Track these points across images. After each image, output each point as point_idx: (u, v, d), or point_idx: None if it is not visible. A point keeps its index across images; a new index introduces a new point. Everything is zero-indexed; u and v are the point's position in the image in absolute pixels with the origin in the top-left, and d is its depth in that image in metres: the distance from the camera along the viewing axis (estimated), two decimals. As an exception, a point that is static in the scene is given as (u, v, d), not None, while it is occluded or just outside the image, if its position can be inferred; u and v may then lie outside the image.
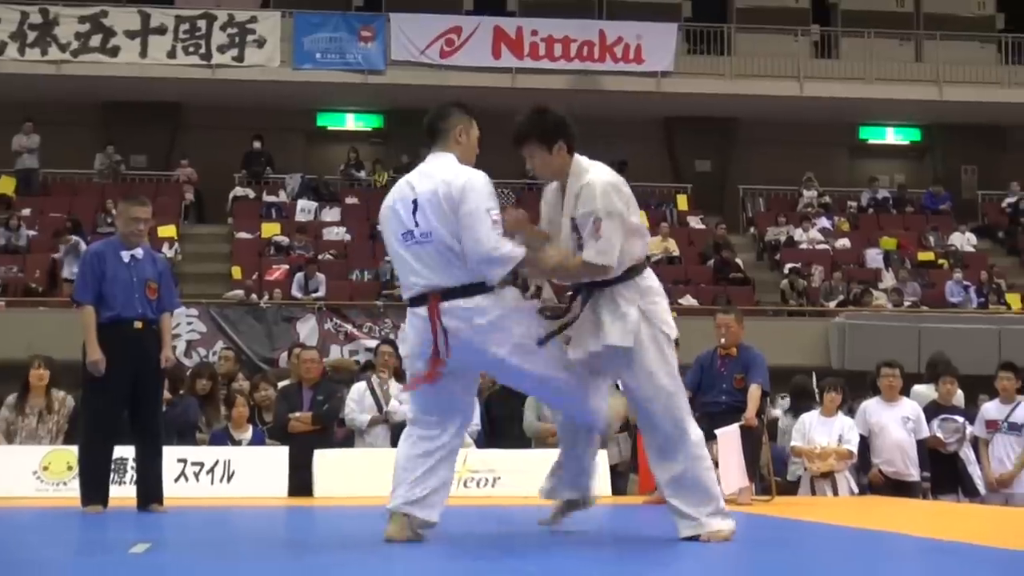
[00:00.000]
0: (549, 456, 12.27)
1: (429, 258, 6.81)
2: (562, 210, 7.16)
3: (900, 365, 13.32)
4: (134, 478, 10.58)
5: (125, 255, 10.16)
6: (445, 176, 6.88)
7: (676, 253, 27.60)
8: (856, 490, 12.65)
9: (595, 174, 7.05)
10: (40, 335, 19.64)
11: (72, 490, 11.69)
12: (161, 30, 28.38)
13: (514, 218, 7.16)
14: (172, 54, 28.35)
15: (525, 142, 7.18)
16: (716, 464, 11.41)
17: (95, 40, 28.24)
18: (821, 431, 12.61)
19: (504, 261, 6.76)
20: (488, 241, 6.70)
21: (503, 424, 13.37)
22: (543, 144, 7.12)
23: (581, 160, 7.18)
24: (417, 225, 6.85)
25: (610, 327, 6.98)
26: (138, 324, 10.07)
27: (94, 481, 10.10)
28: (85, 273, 10.23)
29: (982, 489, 13.26)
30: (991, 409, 13.52)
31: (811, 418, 12.78)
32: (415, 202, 6.86)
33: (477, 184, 6.85)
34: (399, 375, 14.15)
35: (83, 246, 23.96)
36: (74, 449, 11.90)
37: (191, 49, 28.41)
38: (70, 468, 11.88)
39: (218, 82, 28.40)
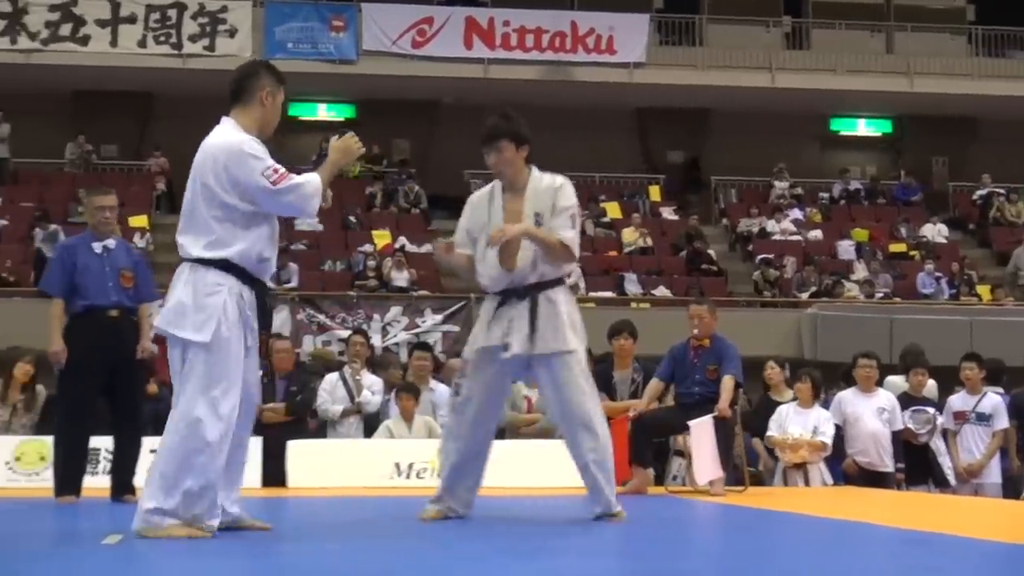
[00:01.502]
0: (520, 447, 12.38)
1: None
2: (502, 209, 7.74)
3: (877, 356, 13.36)
4: (107, 468, 10.56)
5: (97, 246, 10.15)
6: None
7: (649, 244, 27.61)
8: (830, 481, 12.68)
9: (562, 179, 7.80)
10: (14, 325, 19.54)
11: (45, 480, 11.67)
12: (132, 19, 28.26)
13: (442, 248, 7.89)
14: (143, 43, 28.24)
15: (499, 139, 7.70)
16: (689, 454, 11.51)
17: (65, 29, 28.11)
18: (796, 422, 12.63)
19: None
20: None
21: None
22: (514, 143, 7.70)
23: (534, 170, 7.83)
24: None
25: (552, 331, 7.61)
26: (114, 312, 10.08)
27: (68, 471, 10.09)
28: (55, 266, 10.26)
29: (952, 480, 13.32)
30: (957, 401, 13.58)
31: (787, 409, 12.81)
32: None
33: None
34: (371, 365, 14.18)
35: (62, 234, 23.93)
36: (47, 440, 11.87)
37: (162, 38, 28.30)
38: (43, 459, 11.85)
39: (189, 72, 28.28)
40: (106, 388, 10.10)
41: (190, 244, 6.66)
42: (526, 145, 7.74)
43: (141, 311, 10.34)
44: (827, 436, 12.52)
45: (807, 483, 12.49)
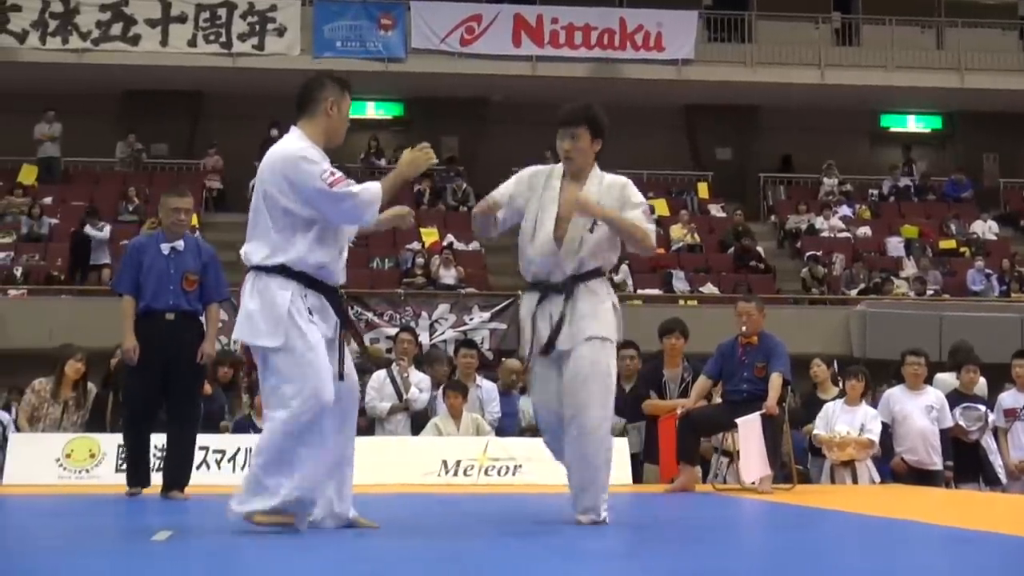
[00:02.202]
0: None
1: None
2: (558, 193, 7.59)
3: (925, 353, 13.29)
4: (158, 465, 10.67)
5: (165, 247, 10.27)
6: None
7: (697, 241, 27.55)
8: (877, 479, 12.63)
9: (625, 178, 7.70)
10: (62, 323, 19.75)
11: (95, 477, 11.79)
12: (182, 18, 28.39)
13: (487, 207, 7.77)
14: (192, 43, 28.37)
15: (578, 124, 7.59)
16: (738, 453, 11.47)
17: (116, 28, 28.26)
18: (844, 420, 12.58)
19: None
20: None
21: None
22: (591, 132, 7.59)
23: (597, 167, 7.71)
24: None
25: (592, 320, 7.42)
26: (169, 315, 10.18)
27: (132, 463, 10.42)
28: (124, 264, 10.43)
29: (1003, 478, 13.24)
30: (1007, 398, 13.50)
31: (834, 406, 12.76)
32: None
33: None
34: (419, 363, 14.19)
35: (107, 234, 24.11)
36: (97, 437, 12.03)
37: (211, 37, 28.42)
38: (92, 456, 11.96)
39: (238, 71, 28.40)
40: (162, 386, 10.21)
41: (252, 252, 6.81)
42: (600, 140, 7.63)
43: (210, 312, 10.46)
44: (874, 434, 12.46)
45: (855, 481, 12.44)
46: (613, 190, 7.58)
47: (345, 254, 7.09)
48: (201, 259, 10.40)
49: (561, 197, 7.57)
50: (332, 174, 6.76)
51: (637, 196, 7.62)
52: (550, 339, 7.45)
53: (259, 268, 6.76)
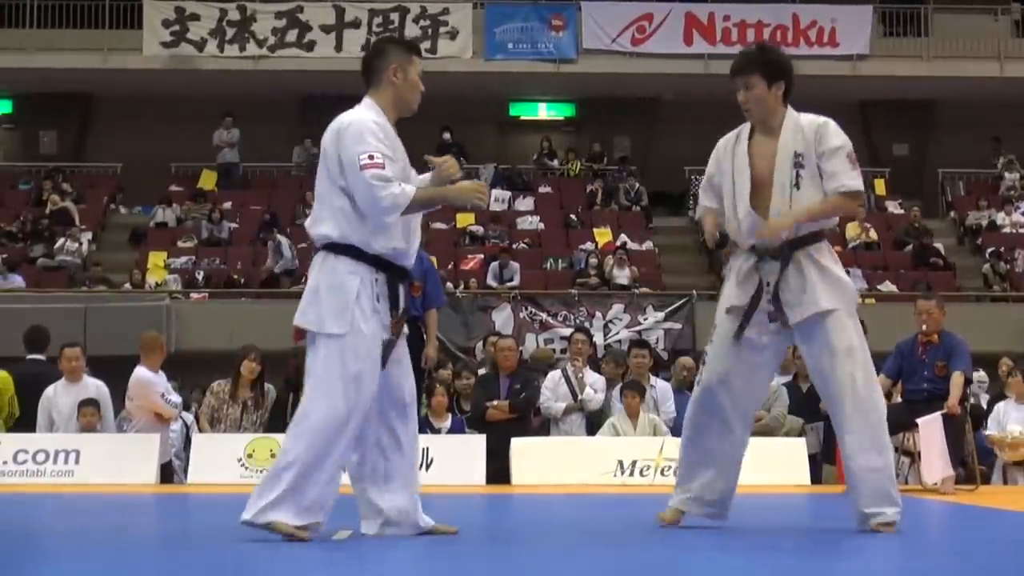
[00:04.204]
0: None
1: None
2: (747, 154, 7.03)
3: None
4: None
5: None
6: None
7: (875, 239, 27.17)
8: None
9: (825, 118, 7.06)
10: (242, 326, 20.10)
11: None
12: (355, 24, 28.72)
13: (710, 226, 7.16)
14: (366, 47, 28.60)
15: (746, 72, 7.10)
16: (919, 454, 11.29)
17: (291, 35, 28.70)
18: (1015, 418, 12.33)
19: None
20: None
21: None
22: (765, 78, 7.05)
23: (791, 110, 7.12)
24: None
25: (823, 291, 6.83)
26: None
27: None
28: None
29: None
30: None
31: (1005, 406, 12.49)
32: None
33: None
34: (594, 363, 14.20)
35: (285, 247, 24.47)
36: (277, 437, 12.20)
37: (385, 42, 28.68)
38: (273, 455, 12.13)
39: (412, 74, 28.61)
40: None
41: (320, 228, 6.47)
42: (782, 82, 7.04)
43: (428, 318, 10.60)
44: (1049, 430, 12.24)
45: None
46: (808, 132, 6.98)
47: (417, 237, 6.69)
48: (422, 266, 10.49)
49: (752, 160, 7.00)
50: (371, 156, 6.31)
51: (834, 140, 6.98)
52: (776, 310, 6.90)
53: (328, 247, 6.40)
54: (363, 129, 6.43)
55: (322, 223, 6.44)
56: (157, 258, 25.39)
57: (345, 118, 6.54)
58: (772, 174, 6.95)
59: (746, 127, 7.18)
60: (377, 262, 6.37)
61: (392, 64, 6.74)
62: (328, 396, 6.22)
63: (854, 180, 6.92)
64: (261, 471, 12.20)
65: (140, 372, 12.75)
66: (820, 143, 6.95)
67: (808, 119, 7.05)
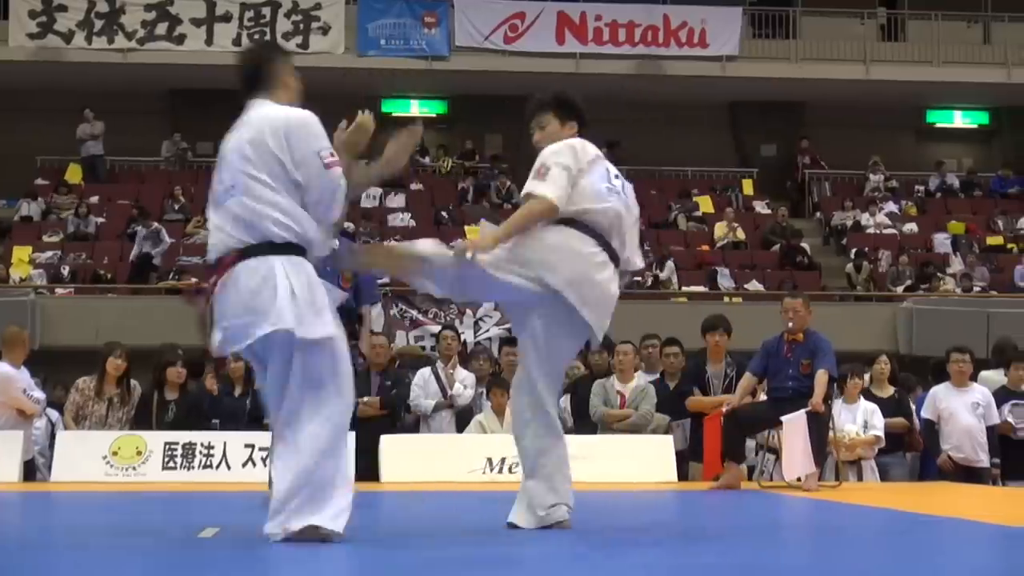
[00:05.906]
0: (613, 442, 12.37)
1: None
2: None
3: (970, 350, 13.23)
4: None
5: None
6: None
7: (742, 238, 27.48)
8: (877, 478, 12.64)
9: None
10: (108, 322, 19.83)
11: (141, 475, 11.83)
12: (226, 17, 28.51)
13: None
14: (237, 41, 28.42)
15: (541, 112, 7.42)
16: (781, 450, 11.45)
17: (161, 28, 28.40)
18: (847, 419, 12.57)
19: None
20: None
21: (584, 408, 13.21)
22: (558, 117, 7.38)
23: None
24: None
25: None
26: None
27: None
28: None
29: (1052, 474, 13.16)
30: None
31: (836, 406, 12.68)
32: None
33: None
34: (464, 360, 14.20)
35: (164, 233, 24.24)
36: (144, 435, 12.09)
37: (256, 36, 28.47)
38: (139, 453, 12.01)
39: (283, 69, 28.44)
40: None
41: (272, 227, 6.10)
42: (573, 121, 7.42)
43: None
44: (878, 429, 12.55)
45: (859, 478, 12.49)
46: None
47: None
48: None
49: None
50: (332, 155, 6.26)
51: (539, 159, 7.37)
52: None
53: (287, 248, 6.06)
54: (317, 125, 6.33)
55: (273, 223, 6.05)
56: (22, 252, 25.00)
57: (290, 113, 6.36)
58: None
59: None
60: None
61: (286, 67, 6.76)
62: (346, 393, 6.31)
63: (536, 189, 7.43)
64: (126, 468, 12.07)
65: (2, 368, 12.52)
66: None
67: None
